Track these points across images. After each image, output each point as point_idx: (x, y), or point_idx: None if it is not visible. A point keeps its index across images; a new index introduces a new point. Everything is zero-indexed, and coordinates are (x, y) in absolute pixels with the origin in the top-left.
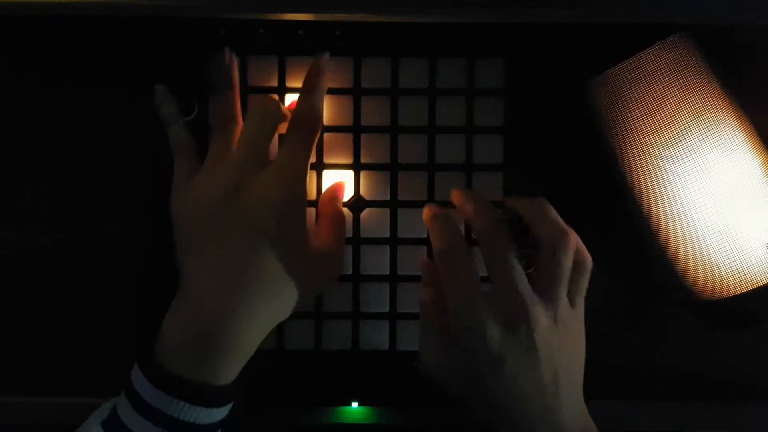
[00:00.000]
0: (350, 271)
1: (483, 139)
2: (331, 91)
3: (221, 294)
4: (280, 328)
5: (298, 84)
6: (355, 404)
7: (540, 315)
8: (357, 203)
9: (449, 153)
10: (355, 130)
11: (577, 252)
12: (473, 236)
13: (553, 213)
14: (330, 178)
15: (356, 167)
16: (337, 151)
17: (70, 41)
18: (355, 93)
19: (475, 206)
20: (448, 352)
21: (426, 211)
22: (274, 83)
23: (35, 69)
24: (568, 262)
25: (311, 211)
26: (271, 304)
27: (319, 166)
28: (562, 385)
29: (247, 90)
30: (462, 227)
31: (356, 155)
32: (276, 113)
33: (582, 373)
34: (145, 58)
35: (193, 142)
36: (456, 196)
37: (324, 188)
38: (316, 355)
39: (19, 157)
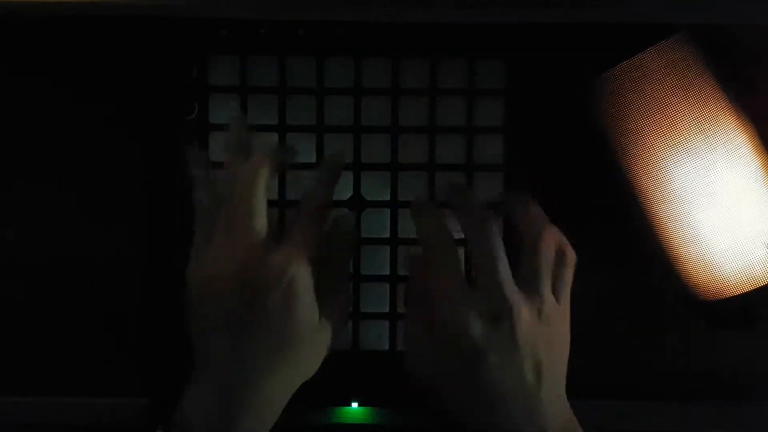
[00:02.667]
0: (350, 271)
1: (483, 139)
2: (332, 91)
3: (240, 371)
4: None
5: (298, 84)
6: (355, 404)
7: (523, 310)
8: (357, 203)
9: (449, 153)
10: (355, 130)
11: (560, 246)
12: (462, 231)
13: (535, 209)
14: None
15: (356, 167)
16: (337, 151)
17: (69, 41)
18: (355, 93)
19: (464, 202)
20: (431, 346)
21: (413, 204)
22: (274, 83)
23: (35, 69)
24: (548, 256)
25: None
26: (288, 375)
27: None
28: (544, 381)
29: (247, 90)
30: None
31: (356, 155)
32: (265, 180)
33: (565, 370)
34: (145, 58)
35: (215, 210)
36: (448, 192)
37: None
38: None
39: (19, 157)
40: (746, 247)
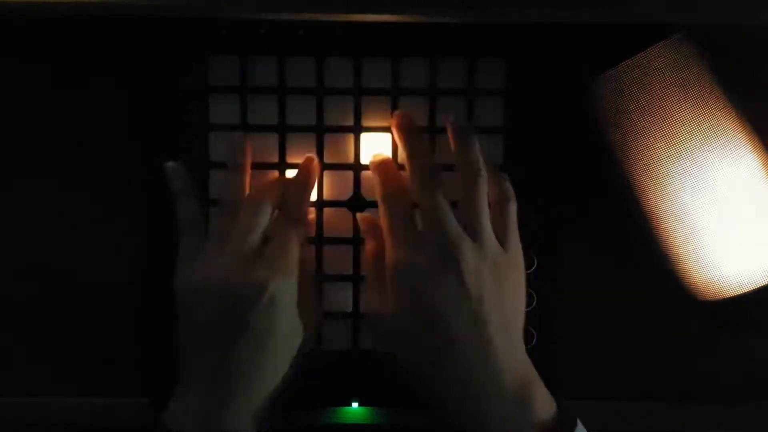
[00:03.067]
0: (350, 272)
1: (483, 139)
2: (331, 91)
3: (225, 378)
4: None
5: (298, 84)
6: (355, 404)
7: (467, 252)
8: (357, 203)
9: (449, 153)
10: (355, 130)
11: (499, 190)
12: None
13: (473, 150)
14: (330, 178)
15: (356, 167)
16: (337, 151)
17: (69, 41)
18: (355, 93)
19: (410, 146)
20: (387, 299)
21: (371, 161)
22: (274, 83)
23: (35, 69)
24: (481, 199)
25: None
26: (268, 381)
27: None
28: (495, 327)
29: (247, 90)
30: None
31: (356, 155)
32: (267, 203)
33: (521, 318)
34: (145, 58)
35: (200, 221)
36: (397, 133)
37: (325, 192)
38: (316, 355)
39: (19, 157)
40: (746, 247)
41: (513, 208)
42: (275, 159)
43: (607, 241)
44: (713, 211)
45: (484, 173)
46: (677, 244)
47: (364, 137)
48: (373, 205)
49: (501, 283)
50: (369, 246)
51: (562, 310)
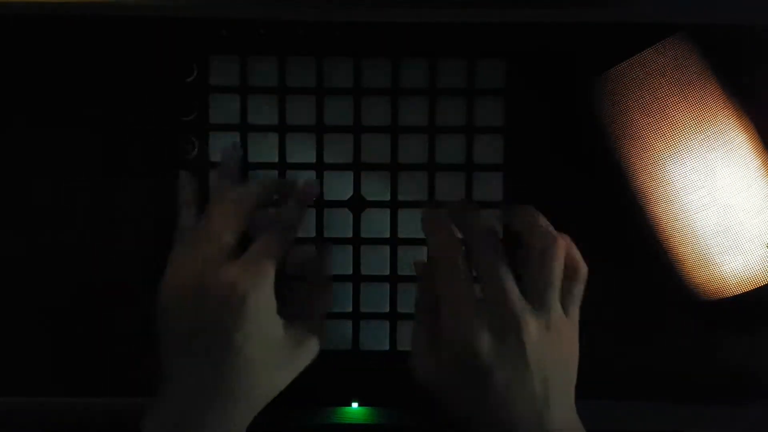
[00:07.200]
0: (350, 271)
1: (483, 139)
2: (331, 91)
3: (197, 395)
4: None
5: (298, 84)
6: (355, 404)
7: (530, 324)
8: (357, 203)
9: (449, 153)
10: (355, 130)
11: (571, 260)
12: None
13: (542, 220)
14: (330, 178)
15: (356, 167)
16: (337, 151)
17: (69, 41)
18: (355, 93)
19: (466, 215)
20: (438, 356)
21: (423, 215)
22: (274, 83)
23: (35, 68)
24: (557, 269)
25: None
26: (250, 397)
27: (320, 167)
28: (552, 394)
29: (247, 90)
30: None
31: (356, 155)
32: (238, 206)
33: (574, 381)
34: (145, 58)
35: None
36: (450, 208)
37: (325, 192)
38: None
39: (20, 157)
40: (746, 247)
41: (584, 277)
42: (275, 159)
43: (606, 240)
44: (713, 211)
45: (559, 241)
46: (677, 244)
47: (364, 137)
48: (373, 205)
49: (560, 350)
50: (422, 298)
51: None
